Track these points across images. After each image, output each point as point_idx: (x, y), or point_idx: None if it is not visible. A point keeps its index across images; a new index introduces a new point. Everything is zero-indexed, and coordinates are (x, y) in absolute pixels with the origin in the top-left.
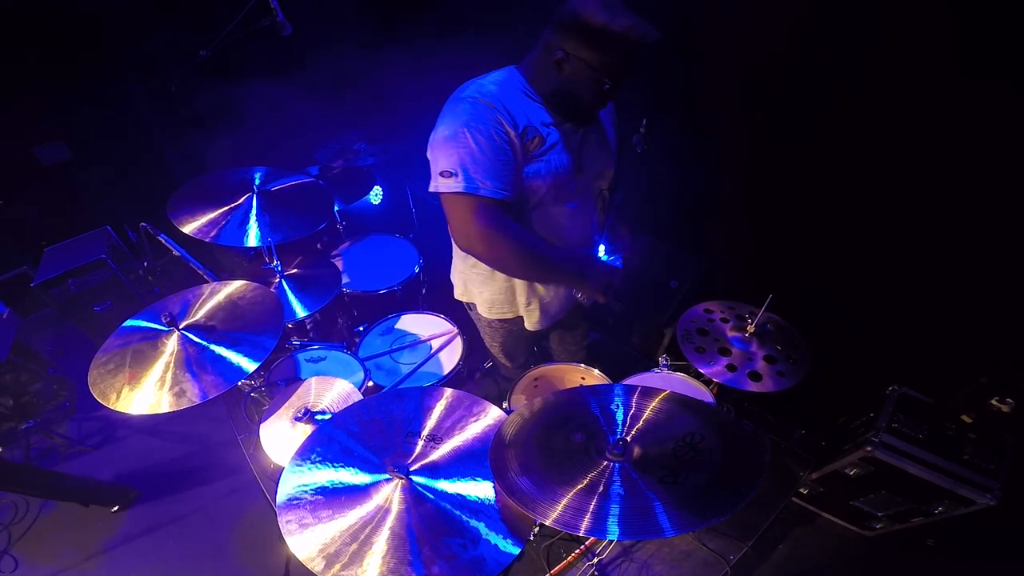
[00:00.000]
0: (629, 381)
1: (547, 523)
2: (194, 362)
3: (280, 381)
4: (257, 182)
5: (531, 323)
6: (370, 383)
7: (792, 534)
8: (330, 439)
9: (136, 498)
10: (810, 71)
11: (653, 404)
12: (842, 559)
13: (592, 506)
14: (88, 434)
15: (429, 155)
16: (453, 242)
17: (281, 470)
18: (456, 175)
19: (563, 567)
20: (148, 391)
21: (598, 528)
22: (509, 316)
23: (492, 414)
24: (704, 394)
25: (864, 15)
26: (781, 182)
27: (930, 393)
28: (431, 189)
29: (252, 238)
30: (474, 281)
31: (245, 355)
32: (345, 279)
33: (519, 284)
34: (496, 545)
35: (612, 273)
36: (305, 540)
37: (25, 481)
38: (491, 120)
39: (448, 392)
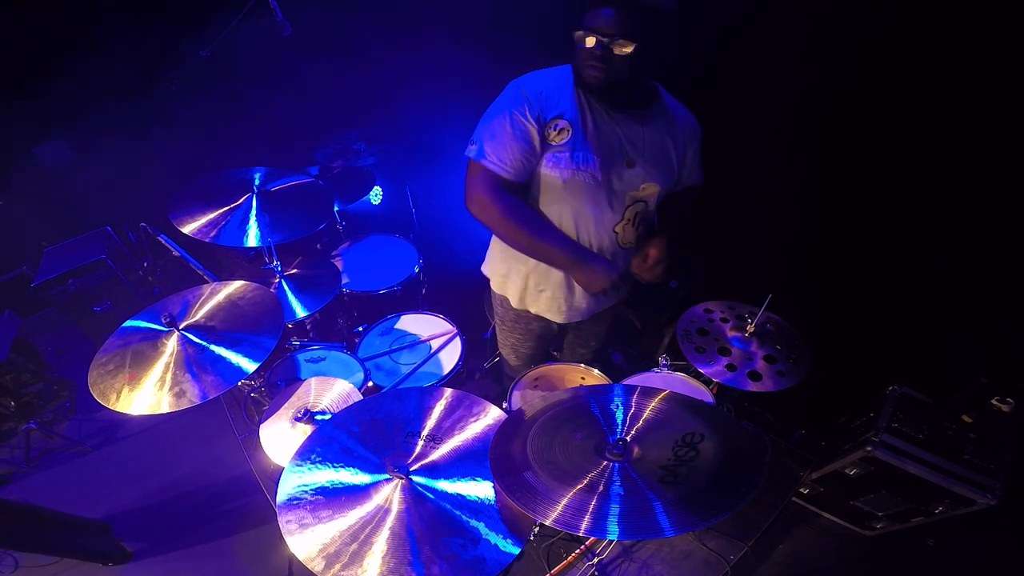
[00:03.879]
0: (629, 381)
1: (547, 523)
2: (194, 362)
3: (280, 381)
4: (257, 182)
5: (558, 315)
6: (370, 383)
7: (792, 534)
8: (330, 439)
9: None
10: (811, 70)
11: (653, 404)
12: (842, 559)
13: (592, 506)
14: (88, 434)
15: None
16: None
17: (281, 470)
18: (475, 144)
19: (563, 567)
20: (148, 391)
21: (598, 528)
22: (533, 310)
23: (492, 414)
24: (704, 394)
25: (865, 15)
26: (781, 182)
27: (930, 393)
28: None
29: (252, 238)
30: (515, 268)
31: (245, 355)
32: (345, 279)
33: (555, 278)
34: (496, 545)
35: (611, 270)
36: (305, 540)
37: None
38: (516, 106)
39: (448, 392)
